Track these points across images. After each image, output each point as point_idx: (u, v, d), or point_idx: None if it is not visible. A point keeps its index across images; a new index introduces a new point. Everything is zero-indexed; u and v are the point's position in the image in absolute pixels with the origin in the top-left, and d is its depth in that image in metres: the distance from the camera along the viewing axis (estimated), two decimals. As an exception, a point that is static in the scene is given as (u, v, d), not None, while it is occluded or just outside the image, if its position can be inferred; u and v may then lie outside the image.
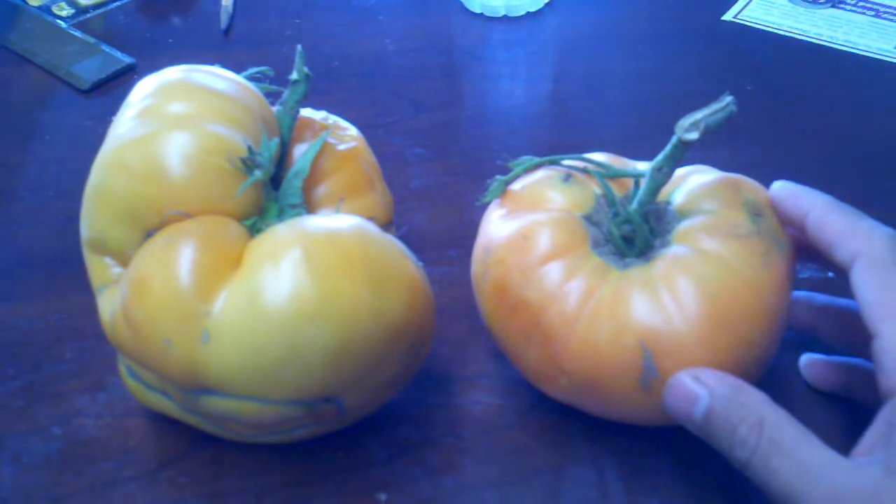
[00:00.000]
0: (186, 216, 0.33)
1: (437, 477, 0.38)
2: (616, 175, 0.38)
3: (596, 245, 0.36)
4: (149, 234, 0.33)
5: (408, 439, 0.40)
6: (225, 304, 0.31)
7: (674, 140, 0.34)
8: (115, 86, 0.65)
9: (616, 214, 0.37)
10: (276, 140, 0.36)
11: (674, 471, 0.38)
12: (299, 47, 0.39)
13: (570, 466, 0.39)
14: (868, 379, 0.37)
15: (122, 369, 0.37)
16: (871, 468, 0.29)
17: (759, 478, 0.30)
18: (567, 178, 0.38)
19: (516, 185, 0.39)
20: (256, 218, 0.35)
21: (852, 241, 0.33)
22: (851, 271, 0.32)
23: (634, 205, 0.36)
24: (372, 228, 0.34)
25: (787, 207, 0.35)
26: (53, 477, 0.39)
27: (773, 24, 0.70)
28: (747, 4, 0.72)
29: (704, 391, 0.32)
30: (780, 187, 0.36)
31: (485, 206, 0.40)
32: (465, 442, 0.40)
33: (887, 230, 0.33)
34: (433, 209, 0.52)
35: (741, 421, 0.31)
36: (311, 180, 0.38)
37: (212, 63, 0.38)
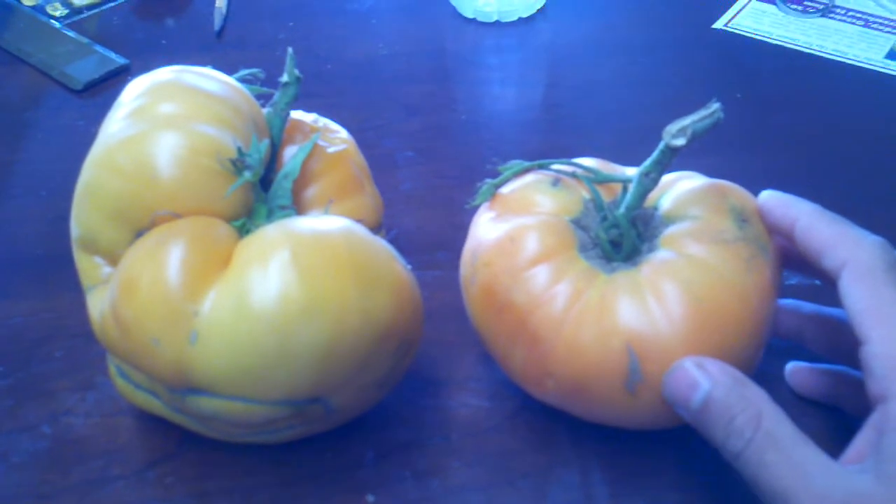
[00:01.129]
0: (176, 216, 0.33)
1: (424, 479, 0.38)
2: (604, 180, 0.38)
3: (583, 249, 0.36)
4: (139, 233, 0.33)
5: (395, 441, 0.40)
6: (213, 304, 0.31)
7: (661, 146, 0.34)
8: (108, 86, 0.65)
9: (604, 219, 0.37)
10: (266, 141, 0.36)
11: (659, 474, 0.38)
12: (290, 50, 0.39)
13: (557, 469, 0.39)
14: (853, 386, 0.38)
15: (112, 368, 0.38)
16: (862, 475, 0.29)
17: (751, 471, 0.30)
18: (556, 182, 0.38)
19: (506, 189, 0.39)
20: (245, 219, 0.35)
21: (841, 249, 0.33)
22: (840, 279, 0.33)
23: (622, 209, 0.36)
24: (360, 230, 0.34)
25: (776, 216, 0.36)
26: (41, 475, 0.39)
27: (764, 32, 0.70)
28: (738, 13, 0.72)
29: (706, 378, 0.32)
30: (769, 196, 0.36)
31: (474, 210, 0.40)
32: (453, 444, 0.40)
33: (876, 238, 0.33)
34: (423, 212, 0.53)
35: (740, 412, 0.31)
36: (300, 182, 0.38)
37: (205, 65, 0.38)
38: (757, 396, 0.32)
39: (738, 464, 0.31)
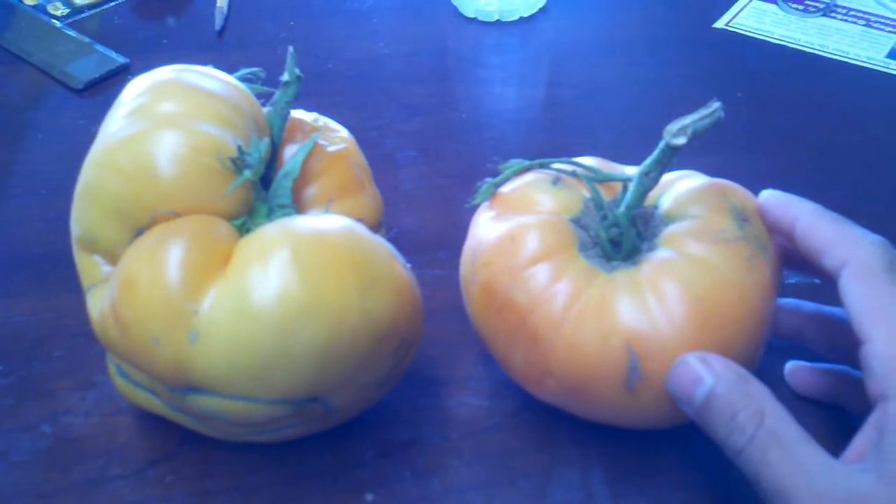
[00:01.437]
0: (176, 215, 0.33)
1: (424, 478, 0.38)
2: (604, 179, 0.38)
3: (583, 248, 0.36)
4: (138, 232, 0.33)
5: (395, 440, 0.40)
6: (213, 303, 0.31)
7: (662, 145, 0.34)
8: (108, 86, 0.65)
9: (604, 218, 0.37)
10: (267, 140, 0.36)
11: (660, 474, 0.38)
12: (291, 49, 0.39)
13: (557, 468, 0.39)
14: (853, 386, 0.38)
15: (111, 368, 0.38)
16: (863, 474, 0.29)
17: (753, 468, 0.30)
18: (556, 181, 0.38)
19: (506, 188, 0.39)
20: (246, 218, 0.35)
21: (841, 249, 0.33)
22: (840, 278, 0.33)
23: (622, 208, 0.36)
24: (361, 229, 0.34)
25: (776, 216, 0.36)
26: (42, 474, 0.39)
27: (765, 32, 0.70)
28: (739, 12, 0.72)
29: (710, 374, 0.32)
30: (769, 196, 0.36)
31: (475, 209, 0.40)
32: (453, 443, 0.40)
33: (876, 237, 0.33)
34: (424, 212, 0.53)
35: (743, 408, 0.31)
36: (300, 181, 0.38)
37: (205, 64, 0.38)
38: (760, 393, 0.31)
39: (740, 461, 0.31)
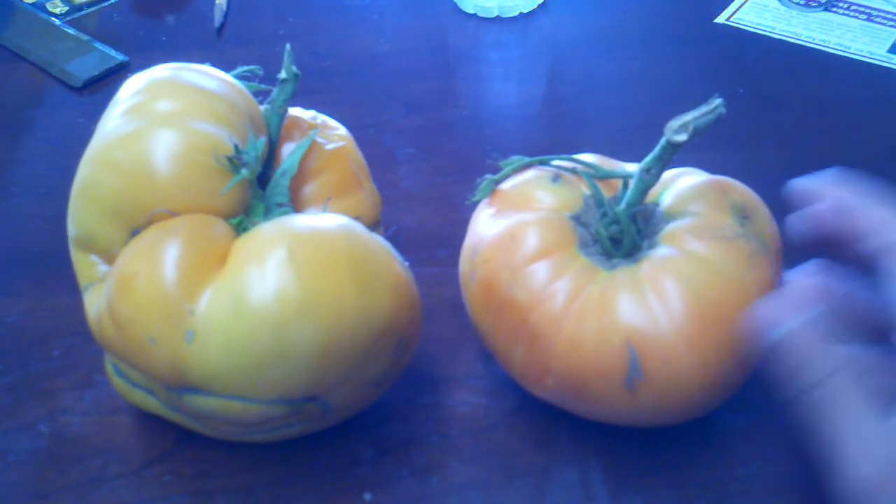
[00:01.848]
0: (172, 214, 0.33)
1: (422, 477, 0.38)
2: (605, 176, 0.38)
3: (584, 245, 0.36)
4: (135, 231, 0.33)
5: (394, 439, 0.40)
6: (210, 302, 0.31)
7: (662, 142, 0.34)
8: (108, 83, 0.65)
9: (604, 215, 0.37)
10: (264, 139, 0.36)
11: (659, 473, 0.38)
12: (288, 46, 0.39)
13: (556, 467, 0.39)
14: None
15: (109, 367, 0.37)
16: None
17: (817, 408, 0.29)
18: (556, 178, 0.38)
19: (506, 185, 0.39)
20: (243, 216, 0.35)
21: (883, 235, 0.32)
22: (878, 262, 0.31)
23: (622, 206, 0.36)
24: (358, 228, 0.34)
25: (807, 199, 0.34)
26: (40, 474, 0.39)
27: (766, 27, 0.70)
28: (740, 7, 0.72)
29: (803, 312, 0.31)
30: (801, 181, 0.35)
31: (474, 206, 0.40)
32: (452, 442, 0.40)
33: None
34: (423, 209, 0.52)
35: (824, 352, 0.30)
36: (298, 179, 0.38)
37: (204, 62, 0.38)
38: (848, 350, 0.30)
39: (806, 396, 0.30)
